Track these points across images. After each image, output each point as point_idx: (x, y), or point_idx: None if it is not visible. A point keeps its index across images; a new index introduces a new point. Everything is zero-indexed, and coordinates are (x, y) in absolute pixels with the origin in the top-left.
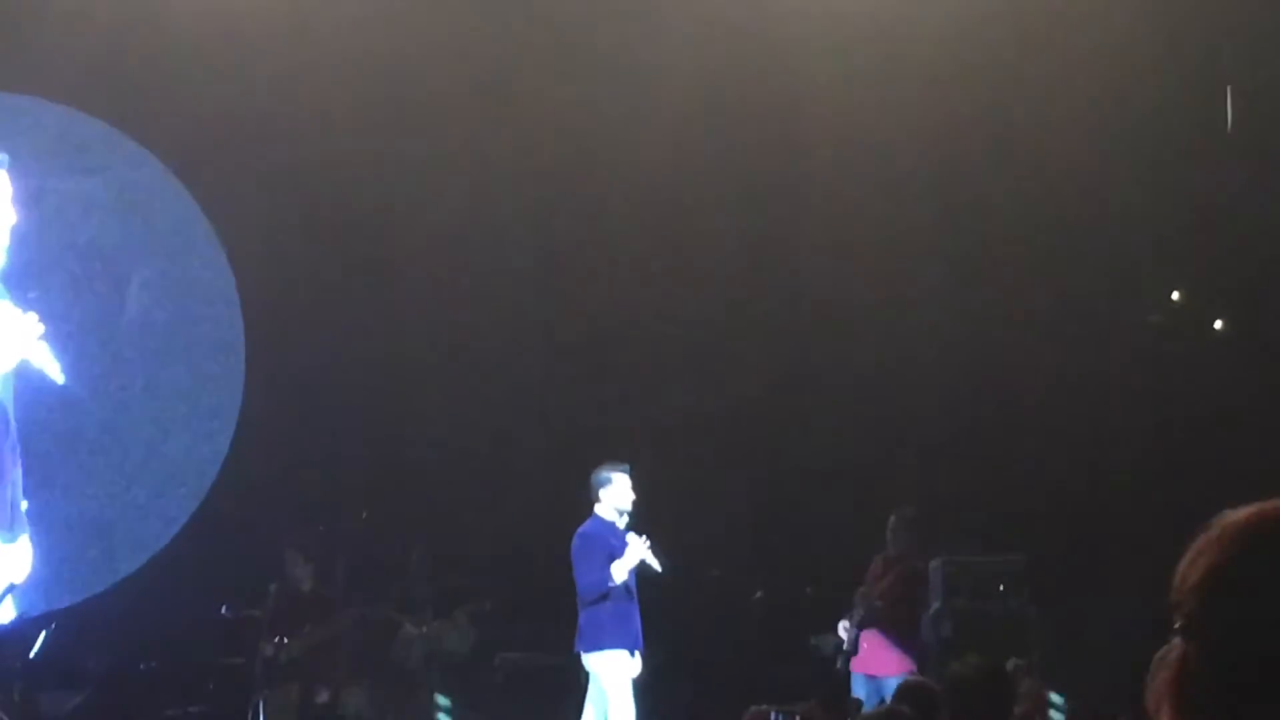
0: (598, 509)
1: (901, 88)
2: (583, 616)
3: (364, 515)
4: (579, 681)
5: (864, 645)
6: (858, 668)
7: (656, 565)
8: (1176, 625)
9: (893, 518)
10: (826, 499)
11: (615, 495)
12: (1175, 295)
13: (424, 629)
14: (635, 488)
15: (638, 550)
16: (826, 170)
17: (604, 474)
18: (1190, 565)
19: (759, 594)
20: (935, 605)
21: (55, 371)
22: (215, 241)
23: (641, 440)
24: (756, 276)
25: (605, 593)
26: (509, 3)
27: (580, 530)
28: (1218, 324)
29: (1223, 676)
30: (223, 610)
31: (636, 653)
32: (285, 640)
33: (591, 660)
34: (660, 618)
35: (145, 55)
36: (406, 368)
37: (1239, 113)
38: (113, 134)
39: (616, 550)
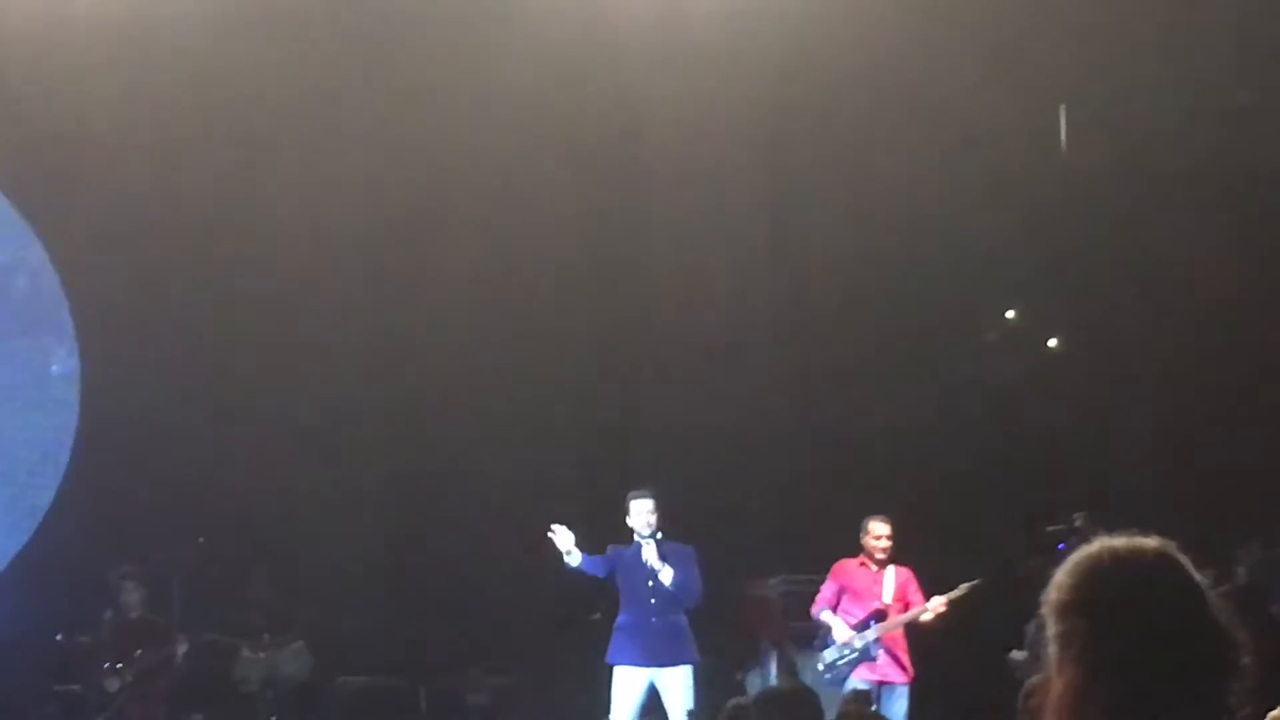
0: None
1: (739, 113)
2: None
3: (200, 541)
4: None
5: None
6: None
7: (655, 565)
8: (1054, 640)
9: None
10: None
11: (634, 520)
12: (1010, 314)
13: (261, 653)
14: (655, 510)
15: (645, 553)
16: (665, 195)
17: (627, 501)
18: (1067, 587)
19: (597, 615)
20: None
21: None
22: (51, 270)
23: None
24: (601, 305)
25: (616, 605)
26: (350, 30)
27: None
28: (1052, 342)
29: (1112, 691)
30: (57, 638)
31: (652, 671)
32: (117, 666)
33: None
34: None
35: None
36: (242, 392)
37: (1072, 132)
38: None
39: (623, 561)
